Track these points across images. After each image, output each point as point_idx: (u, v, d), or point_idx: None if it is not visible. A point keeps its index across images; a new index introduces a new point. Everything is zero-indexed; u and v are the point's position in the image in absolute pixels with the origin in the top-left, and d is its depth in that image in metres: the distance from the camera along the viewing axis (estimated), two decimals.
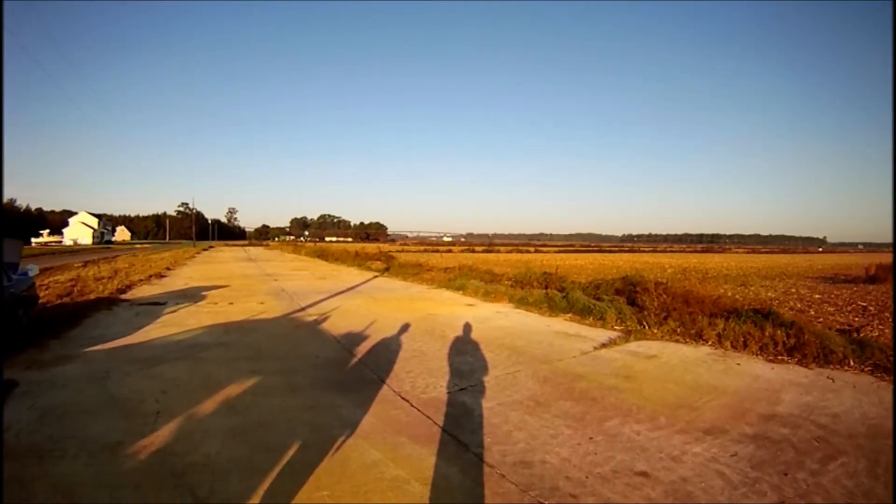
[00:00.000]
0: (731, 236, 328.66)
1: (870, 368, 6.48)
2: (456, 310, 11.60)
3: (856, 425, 4.57)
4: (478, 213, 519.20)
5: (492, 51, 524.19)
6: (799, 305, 12.57)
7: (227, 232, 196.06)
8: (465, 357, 7.07)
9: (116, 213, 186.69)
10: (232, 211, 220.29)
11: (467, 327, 9.14)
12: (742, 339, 7.73)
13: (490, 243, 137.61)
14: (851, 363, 6.68)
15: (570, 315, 10.56)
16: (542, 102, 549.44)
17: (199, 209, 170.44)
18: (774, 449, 4.04)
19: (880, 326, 9.28)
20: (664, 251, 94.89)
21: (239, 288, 16.28)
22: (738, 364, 6.82)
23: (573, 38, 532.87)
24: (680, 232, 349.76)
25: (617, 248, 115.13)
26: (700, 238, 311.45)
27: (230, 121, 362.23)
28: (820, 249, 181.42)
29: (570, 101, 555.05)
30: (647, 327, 8.91)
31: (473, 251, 68.02)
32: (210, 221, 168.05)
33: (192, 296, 13.80)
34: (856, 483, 3.46)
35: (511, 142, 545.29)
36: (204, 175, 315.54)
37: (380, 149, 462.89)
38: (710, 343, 7.92)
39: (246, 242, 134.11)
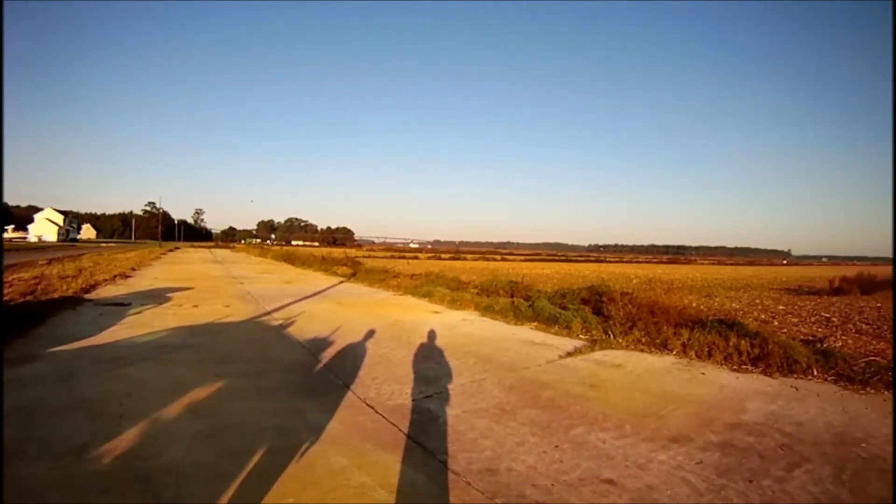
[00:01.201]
0: (696, 248, 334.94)
1: (833, 378, 6.70)
2: (422, 316, 11.63)
3: (821, 433, 4.73)
4: (445, 221, 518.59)
5: (460, 55, 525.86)
6: (763, 316, 12.89)
7: (194, 233, 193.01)
8: (431, 364, 7.11)
9: (83, 211, 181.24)
10: (199, 212, 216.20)
11: (433, 334, 9.15)
12: (707, 348, 7.90)
13: (457, 251, 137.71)
14: (815, 373, 6.90)
15: (536, 323, 10.66)
16: (510, 111, 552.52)
17: (165, 209, 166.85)
18: (740, 456, 4.14)
19: (843, 337, 9.60)
20: (630, 262, 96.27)
21: (205, 290, 16.22)
22: (703, 373, 6.98)
23: (538, 43, 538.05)
24: (646, 243, 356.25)
25: (583, 258, 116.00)
26: (666, 249, 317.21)
27: (198, 120, 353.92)
28: (785, 262, 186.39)
29: (538, 111, 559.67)
30: (612, 336, 9.03)
31: (440, 258, 68.01)
32: (177, 222, 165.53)
33: (157, 297, 13.71)
34: (821, 489, 3.58)
35: (479, 150, 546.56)
36: (171, 174, 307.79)
37: (348, 153, 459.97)
38: (675, 352, 8.08)
39: (212, 244, 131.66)
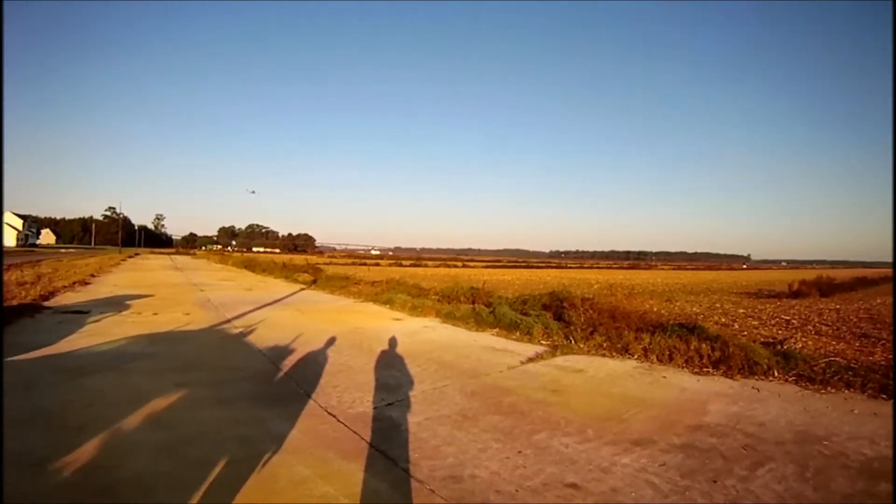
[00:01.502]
0: (657, 253, 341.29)
1: (794, 378, 6.86)
2: (383, 323, 11.60)
3: (783, 432, 4.84)
4: (406, 227, 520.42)
5: (422, 60, 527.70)
6: (724, 320, 13.12)
7: (154, 239, 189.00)
8: (393, 371, 7.09)
9: (42, 215, 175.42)
10: (159, 217, 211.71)
11: (394, 341, 9.13)
12: (668, 352, 8.03)
13: (418, 257, 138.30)
14: (776, 374, 7.07)
15: (497, 330, 10.71)
16: (471, 118, 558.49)
17: (126, 214, 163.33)
18: (703, 458, 4.21)
19: (803, 339, 9.83)
20: (591, 267, 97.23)
21: (165, 297, 16.09)
22: (665, 377, 7.08)
23: (500, 48, 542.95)
24: (607, 249, 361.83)
25: (544, 264, 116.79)
26: (627, 255, 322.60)
27: (159, 124, 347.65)
28: (744, 266, 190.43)
29: (499, 118, 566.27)
30: (573, 342, 9.10)
31: (401, 265, 67.77)
32: (137, 227, 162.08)
33: (117, 304, 13.58)
34: (785, 487, 3.67)
35: (441, 156, 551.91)
36: (132, 179, 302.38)
37: (309, 159, 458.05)
38: (636, 357, 8.19)
39: (173, 250, 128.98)
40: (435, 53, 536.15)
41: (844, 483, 3.74)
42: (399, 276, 27.06)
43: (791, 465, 4.02)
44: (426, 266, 68.97)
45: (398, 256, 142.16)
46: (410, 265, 69.56)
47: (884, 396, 6.07)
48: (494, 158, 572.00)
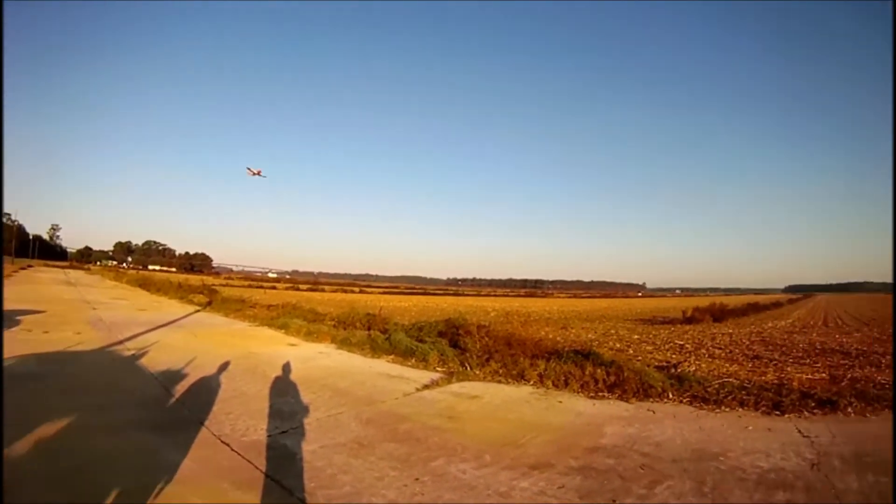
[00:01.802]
0: (553, 282, 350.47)
1: (689, 399, 7.08)
2: (279, 349, 11.35)
3: (679, 451, 4.95)
4: (304, 251, 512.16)
5: (316, 85, 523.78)
6: (619, 345, 13.59)
7: (49, 250, 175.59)
8: (287, 398, 6.91)
9: None
10: (55, 228, 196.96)
11: (289, 367, 8.92)
12: (563, 378, 8.13)
13: (315, 281, 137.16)
14: (671, 396, 7.27)
15: (392, 356, 10.65)
16: (367, 144, 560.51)
17: (20, 222, 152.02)
18: (601, 479, 4.23)
19: (697, 362, 10.30)
20: (488, 295, 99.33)
21: (56, 314, 15.42)
22: (560, 402, 7.16)
23: (389, 74, 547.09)
24: (504, 277, 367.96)
25: (442, 291, 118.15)
26: (524, 283, 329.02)
27: (58, 128, 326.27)
28: (640, 294, 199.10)
29: (396, 146, 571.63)
30: (469, 368, 9.11)
31: (299, 289, 67.17)
32: (32, 237, 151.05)
33: (7, 319, 12.71)
34: (683, 503, 3.68)
35: (339, 182, 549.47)
36: (26, 184, 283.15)
37: (208, 177, 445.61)
38: (532, 383, 8.26)
39: (67, 264, 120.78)
40: (329, 81, 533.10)
41: (742, 495, 3.85)
42: (296, 300, 27.15)
43: (689, 481, 4.11)
44: (323, 291, 68.75)
45: (295, 280, 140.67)
46: (308, 289, 69.20)
47: (777, 413, 6.35)
48: (394, 185, 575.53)
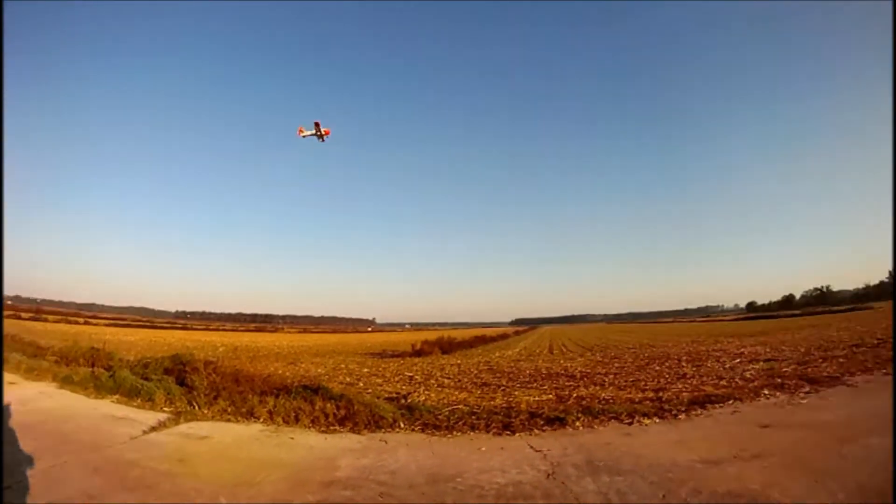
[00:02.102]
0: (283, 317, 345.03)
1: (420, 427, 7.42)
2: None
3: (414, 476, 5.17)
4: (28, 274, 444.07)
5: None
6: (349, 379, 13.92)
7: None
8: (6, 447, 5.92)
9: None
10: None
11: (7, 411, 7.74)
12: (294, 414, 8.12)
13: (38, 310, 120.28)
14: (402, 425, 7.57)
15: (118, 396, 9.94)
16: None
17: None
18: None
19: (427, 392, 10.80)
20: (217, 329, 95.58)
21: None
22: (292, 438, 7.12)
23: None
24: (234, 311, 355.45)
25: (170, 325, 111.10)
26: (254, 318, 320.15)
27: None
28: (370, 329, 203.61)
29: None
30: (197, 407, 8.71)
31: (20, 317, 59.30)
32: None
33: None
34: None
35: (57, 199, 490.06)
36: None
37: None
38: (262, 420, 8.13)
39: None
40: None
41: None
42: (16, 330, 24.91)
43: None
44: (46, 321, 61.68)
45: (16, 307, 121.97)
46: (29, 318, 61.61)
47: (508, 433, 6.89)
48: (116, 207, 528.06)
